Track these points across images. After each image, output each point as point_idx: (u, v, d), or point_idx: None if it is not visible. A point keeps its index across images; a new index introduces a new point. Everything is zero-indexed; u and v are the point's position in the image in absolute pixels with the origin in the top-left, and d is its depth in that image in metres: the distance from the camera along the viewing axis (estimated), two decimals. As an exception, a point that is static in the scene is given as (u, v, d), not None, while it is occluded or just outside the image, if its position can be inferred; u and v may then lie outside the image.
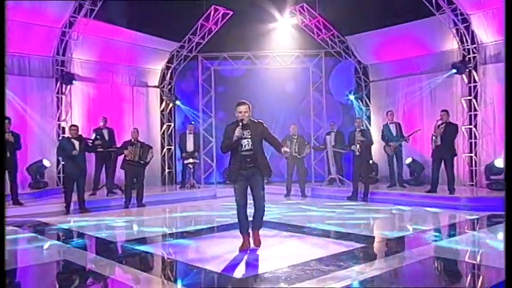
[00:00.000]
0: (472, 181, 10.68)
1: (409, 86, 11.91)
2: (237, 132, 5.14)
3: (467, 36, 10.61)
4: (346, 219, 7.71)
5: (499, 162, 9.50)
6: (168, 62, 13.09)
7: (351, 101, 12.72)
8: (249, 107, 5.27)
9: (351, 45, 12.49)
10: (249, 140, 5.19)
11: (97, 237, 6.61)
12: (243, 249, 5.30)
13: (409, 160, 10.80)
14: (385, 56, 12.30)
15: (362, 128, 10.07)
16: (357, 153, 9.65)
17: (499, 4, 9.66)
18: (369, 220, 7.93)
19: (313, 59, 12.68)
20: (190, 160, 11.60)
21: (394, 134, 10.63)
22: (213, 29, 12.43)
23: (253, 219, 5.39)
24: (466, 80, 10.83)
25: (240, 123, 5.19)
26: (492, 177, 9.78)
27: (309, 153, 11.27)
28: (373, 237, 6.50)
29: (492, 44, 10.40)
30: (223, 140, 5.33)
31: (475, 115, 10.70)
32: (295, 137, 10.59)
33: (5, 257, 3.64)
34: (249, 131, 5.21)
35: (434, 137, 9.43)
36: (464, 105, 10.81)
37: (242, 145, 5.19)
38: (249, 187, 5.30)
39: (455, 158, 9.63)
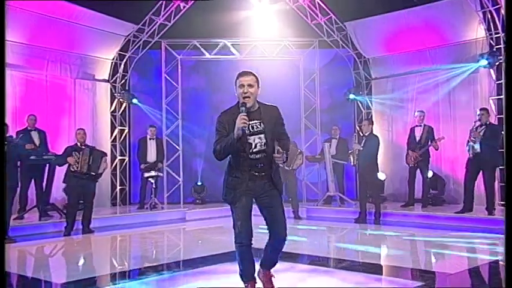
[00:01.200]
0: (502, 200, 9.15)
1: (421, 84, 10.38)
2: (240, 122, 3.53)
3: (497, 22, 9.16)
4: (371, 246, 6.48)
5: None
6: (121, 50, 11.00)
7: (351, 101, 11.02)
8: (257, 80, 3.74)
9: (351, 33, 10.89)
10: (262, 136, 3.68)
11: (23, 277, 5.16)
12: None
13: (430, 174, 9.20)
14: (391, 47, 10.76)
15: (363, 134, 8.59)
16: (352, 164, 8.67)
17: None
18: (403, 248, 6.61)
19: (304, 50, 10.94)
20: (152, 173, 9.56)
21: (417, 140, 8.96)
22: (182, 7, 10.45)
23: (265, 254, 3.95)
24: (494, 76, 9.36)
25: (243, 108, 3.58)
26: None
27: (301, 164, 9.43)
28: (430, 272, 5.18)
29: (527, 31, 8.96)
30: (217, 138, 3.70)
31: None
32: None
33: (5, 257, 3.57)
34: (259, 121, 3.70)
35: (472, 143, 8.00)
36: (493, 107, 9.34)
37: (252, 145, 3.66)
38: (259, 208, 3.82)
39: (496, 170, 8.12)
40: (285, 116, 11.72)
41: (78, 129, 7.94)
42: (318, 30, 10.82)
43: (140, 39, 10.92)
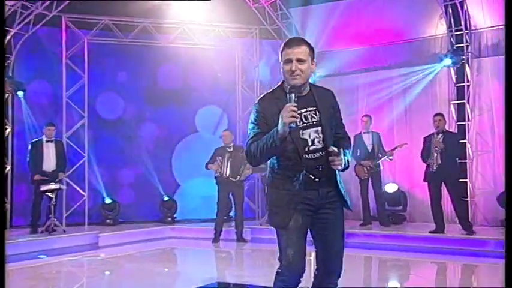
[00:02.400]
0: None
1: (372, 84, 9.64)
2: (288, 116, 2.69)
3: (461, 18, 8.70)
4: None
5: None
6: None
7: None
8: (312, 52, 2.94)
9: (296, 22, 9.80)
10: (319, 128, 2.94)
11: None
12: None
13: (394, 188, 8.41)
14: (340, 41, 9.93)
15: None
16: None
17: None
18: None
19: (242, 38, 9.69)
20: (52, 186, 7.62)
21: (370, 149, 8.25)
22: (92, -26, 8.61)
23: None
24: (454, 78, 8.86)
25: (292, 95, 2.74)
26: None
27: (250, 174, 8.17)
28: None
29: (491, 30, 8.68)
30: (253, 134, 2.92)
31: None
32: (230, 150, 7.55)
33: (5, 257, 3.37)
34: (314, 108, 2.95)
35: (434, 153, 7.48)
36: (453, 112, 8.82)
37: (307, 141, 2.93)
38: (312, 228, 3.04)
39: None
40: (219, 115, 10.24)
41: None
42: (260, 16, 9.58)
43: (31, 12, 8.79)
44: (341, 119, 3.13)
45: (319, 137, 2.93)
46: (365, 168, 8.29)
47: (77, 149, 8.90)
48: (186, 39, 9.58)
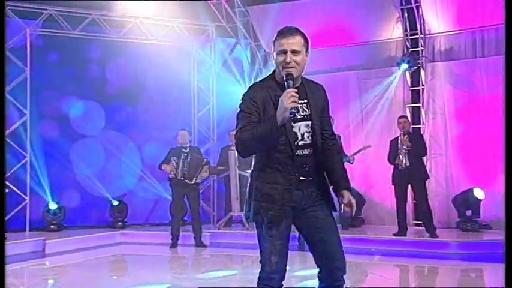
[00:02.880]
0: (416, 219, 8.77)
1: (328, 86, 9.46)
2: (289, 101, 2.59)
3: (416, 23, 8.86)
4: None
5: (478, 193, 7.82)
6: None
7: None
8: (307, 43, 2.87)
9: (253, 20, 9.60)
10: (309, 123, 2.85)
11: None
12: None
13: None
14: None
15: None
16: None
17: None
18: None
19: (198, 36, 9.38)
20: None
21: None
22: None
23: None
24: (409, 82, 9.02)
25: (290, 81, 2.70)
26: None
27: (207, 177, 7.91)
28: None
29: (445, 35, 8.88)
30: (244, 123, 2.76)
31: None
32: (186, 151, 7.26)
33: (5, 258, 3.40)
34: (305, 102, 2.86)
35: (401, 154, 7.49)
36: (409, 115, 8.96)
37: (297, 134, 2.82)
38: (302, 230, 2.98)
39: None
40: (173, 115, 9.87)
41: None
42: (218, 13, 9.29)
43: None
44: (328, 115, 3.05)
45: (309, 131, 2.84)
46: None
47: (18, 148, 8.19)
48: (138, 34, 9.10)
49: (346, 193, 2.89)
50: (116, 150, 9.05)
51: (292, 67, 2.75)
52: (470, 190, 7.95)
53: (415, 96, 9.09)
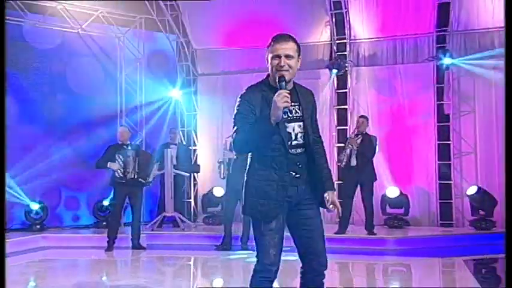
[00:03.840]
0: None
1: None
2: (282, 101, 2.80)
3: (344, 28, 9.31)
4: None
5: (393, 192, 8.40)
6: None
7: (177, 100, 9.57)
8: (299, 49, 3.05)
9: (184, 15, 9.40)
10: (301, 124, 3.06)
11: None
12: None
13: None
14: (226, 39, 9.86)
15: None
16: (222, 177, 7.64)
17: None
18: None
19: (126, 27, 8.96)
20: None
21: None
22: None
23: None
24: (336, 84, 9.43)
25: (283, 83, 2.89)
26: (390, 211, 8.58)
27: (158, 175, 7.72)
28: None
29: (369, 41, 9.40)
30: (240, 123, 2.96)
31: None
32: (129, 149, 7.09)
33: (5, 257, 3.27)
34: (297, 104, 3.07)
35: (348, 153, 7.66)
36: (335, 117, 9.35)
37: (291, 134, 3.03)
38: (291, 226, 3.13)
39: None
40: (99, 109, 9.35)
41: None
42: (148, 5, 8.94)
43: None
44: (315, 118, 3.23)
45: (302, 132, 3.03)
46: None
47: None
48: (60, 21, 8.50)
49: (330, 194, 3.12)
50: (35, 148, 8.32)
51: (286, 70, 2.93)
52: (387, 189, 8.53)
53: (342, 98, 9.50)
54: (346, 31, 9.34)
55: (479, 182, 8.55)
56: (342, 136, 9.28)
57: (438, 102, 8.91)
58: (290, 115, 2.97)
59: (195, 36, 9.83)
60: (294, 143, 3.02)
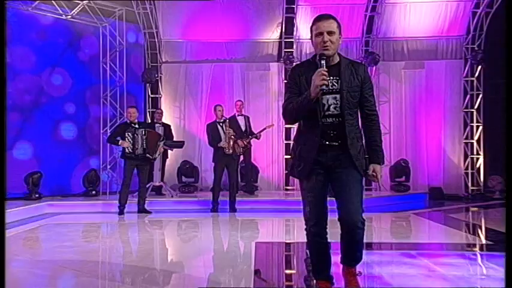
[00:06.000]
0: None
1: (216, 74, 11.21)
2: (319, 79, 3.01)
3: (293, 29, 11.14)
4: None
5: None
6: None
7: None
8: (339, 26, 3.21)
9: (158, 9, 10.58)
10: (337, 96, 3.18)
11: None
12: None
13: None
14: (191, 33, 11.14)
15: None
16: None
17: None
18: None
19: (108, 18, 9.89)
20: None
21: (244, 130, 9.59)
22: None
23: (341, 248, 3.35)
24: (283, 75, 11.26)
25: (323, 61, 3.08)
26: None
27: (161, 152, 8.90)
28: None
29: (308, 41, 11.24)
30: (288, 96, 3.27)
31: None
32: (139, 127, 8.10)
33: (5, 256, 3.19)
34: (337, 77, 3.19)
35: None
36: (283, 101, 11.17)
37: (324, 105, 3.18)
38: (331, 187, 3.31)
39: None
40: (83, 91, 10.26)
41: None
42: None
43: None
44: (371, 93, 3.31)
45: (336, 103, 3.17)
46: (241, 146, 9.04)
47: None
48: (49, 9, 9.15)
49: (371, 166, 3.29)
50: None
51: (328, 46, 3.11)
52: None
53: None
54: (294, 32, 11.21)
55: (393, 156, 11.04)
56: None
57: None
58: (326, 88, 3.06)
59: (163, 28, 10.99)
60: (327, 113, 3.16)
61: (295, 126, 3.93)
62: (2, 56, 4.08)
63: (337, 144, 3.19)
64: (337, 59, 3.22)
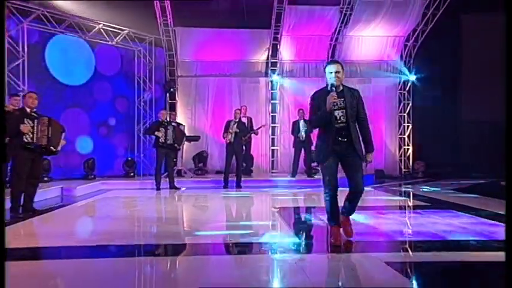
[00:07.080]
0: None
1: (217, 87, 12.20)
2: (331, 100, 3.93)
3: (276, 53, 12.26)
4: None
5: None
6: None
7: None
8: (342, 67, 4.12)
9: (177, 37, 11.51)
10: (343, 110, 4.01)
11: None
12: (337, 243, 4.06)
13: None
14: (201, 54, 12.12)
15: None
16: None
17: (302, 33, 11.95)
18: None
19: (141, 43, 10.81)
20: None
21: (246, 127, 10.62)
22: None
23: (345, 204, 4.24)
24: (270, 87, 12.42)
25: (333, 88, 4.00)
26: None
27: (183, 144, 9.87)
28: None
29: (289, 62, 12.61)
30: (312, 112, 4.12)
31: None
32: (167, 124, 8.89)
33: (5, 255, 2.92)
34: (342, 99, 4.02)
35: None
36: (270, 108, 12.39)
37: (336, 117, 4.02)
38: (343, 167, 4.15)
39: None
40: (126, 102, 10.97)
41: None
42: (160, 28, 10.96)
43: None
44: (363, 108, 4.11)
45: (343, 115, 4.00)
46: (243, 140, 9.82)
47: None
48: (100, 36, 10.03)
49: (368, 155, 4.17)
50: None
51: (336, 80, 3.98)
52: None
53: (274, 96, 12.43)
54: (278, 55, 12.33)
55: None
56: (274, 119, 12.33)
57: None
58: (336, 106, 3.95)
59: (181, 51, 11.94)
60: (338, 121, 3.98)
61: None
62: (2, 56, 3.86)
63: (345, 140, 4.01)
64: (341, 87, 4.08)
